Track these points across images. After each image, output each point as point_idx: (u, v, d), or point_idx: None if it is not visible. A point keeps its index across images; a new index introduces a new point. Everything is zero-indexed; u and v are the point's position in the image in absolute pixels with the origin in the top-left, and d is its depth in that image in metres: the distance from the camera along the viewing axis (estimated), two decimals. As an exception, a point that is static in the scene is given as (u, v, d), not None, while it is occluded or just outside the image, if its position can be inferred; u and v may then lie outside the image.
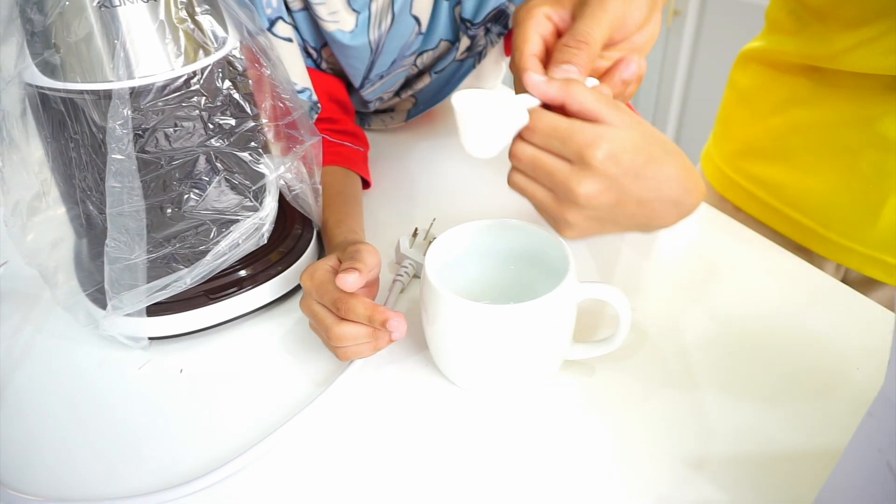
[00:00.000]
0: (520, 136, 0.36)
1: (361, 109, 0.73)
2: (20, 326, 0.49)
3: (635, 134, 0.35)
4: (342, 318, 0.40)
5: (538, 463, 0.37)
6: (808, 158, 0.58)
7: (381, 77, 0.64)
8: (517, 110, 0.35)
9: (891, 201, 0.53)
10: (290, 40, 0.56)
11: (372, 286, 0.45)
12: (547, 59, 0.38)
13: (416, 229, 0.53)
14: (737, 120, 0.66)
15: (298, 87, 0.57)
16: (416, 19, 0.59)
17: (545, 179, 0.36)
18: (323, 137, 0.52)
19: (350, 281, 0.39)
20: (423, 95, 0.74)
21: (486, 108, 0.35)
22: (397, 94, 0.70)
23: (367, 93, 0.67)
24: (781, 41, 0.59)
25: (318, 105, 0.59)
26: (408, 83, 0.69)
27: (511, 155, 0.37)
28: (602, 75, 0.39)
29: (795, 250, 0.56)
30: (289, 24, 0.56)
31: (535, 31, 0.38)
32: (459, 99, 0.36)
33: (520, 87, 0.38)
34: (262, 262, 0.48)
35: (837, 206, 0.57)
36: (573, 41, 0.36)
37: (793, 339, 0.45)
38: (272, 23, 0.54)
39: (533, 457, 0.38)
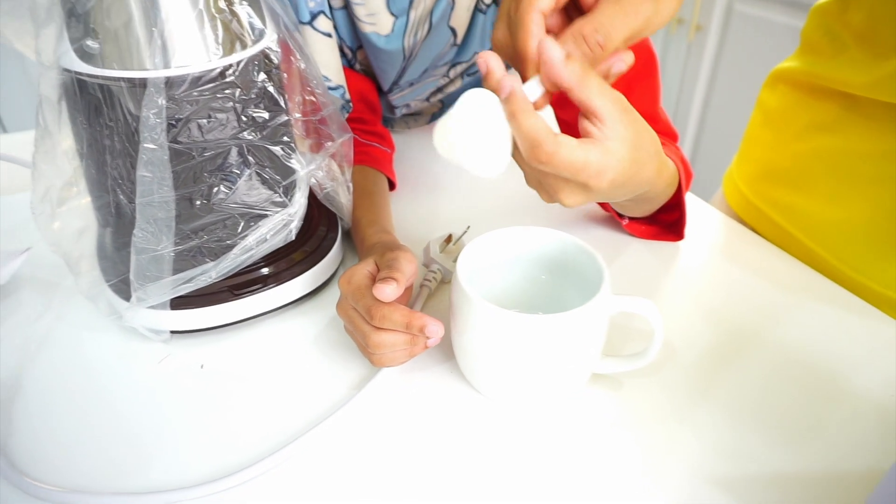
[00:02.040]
0: (522, 159, 0.35)
1: (388, 115, 0.73)
2: (41, 314, 0.49)
3: (632, 148, 0.34)
4: (378, 327, 0.39)
5: (563, 476, 0.36)
6: (830, 188, 0.55)
7: (412, 84, 0.64)
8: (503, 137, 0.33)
9: None
10: (329, 35, 0.55)
11: (406, 291, 0.45)
12: (555, 21, 0.34)
13: (450, 235, 0.52)
14: (761, 142, 0.64)
15: (332, 84, 0.56)
16: (453, 31, 0.59)
17: (541, 185, 0.36)
18: (353, 137, 0.52)
19: (388, 292, 0.39)
20: (451, 99, 0.73)
21: (489, 119, 0.32)
22: (426, 99, 0.70)
23: (396, 98, 0.66)
24: (815, 63, 0.57)
25: (350, 104, 0.58)
26: (438, 88, 0.68)
27: (519, 163, 0.36)
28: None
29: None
30: (329, 19, 0.55)
31: None
32: (467, 105, 0.33)
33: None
34: (287, 261, 0.48)
35: (856, 240, 0.54)
36: (594, 41, 0.32)
37: (822, 359, 0.44)
38: (314, 16, 0.54)
39: (558, 469, 0.37)
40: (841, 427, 0.39)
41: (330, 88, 0.56)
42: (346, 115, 0.59)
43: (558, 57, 0.31)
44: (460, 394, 0.42)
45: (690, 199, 0.62)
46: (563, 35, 0.33)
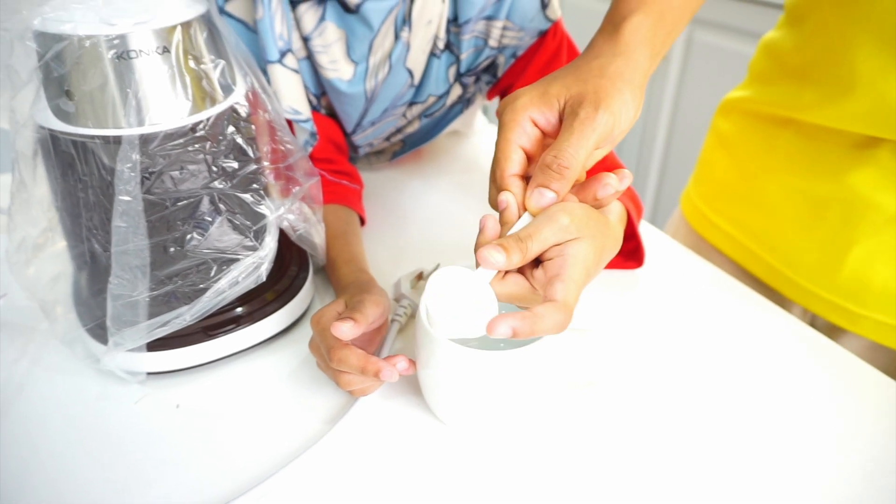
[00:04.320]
0: None
1: (352, 153, 0.75)
2: (17, 358, 0.50)
3: (590, 253, 0.35)
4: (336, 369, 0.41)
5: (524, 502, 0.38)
6: (781, 204, 0.61)
7: (373, 124, 0.67)
8: (486, 306, 0.34)
9: (854, 251, 0.55)
10: (297, 72, 0.59)
11: (379, 331, 0.47)
12: (530, 165, 0.38)
13: (420, 273, 0.55)
14: (717, 163, 0.69)
15: (303, 117, 0.59)
16: (410, 72, 0.62)
17: None
18: (323, 176, 0.54)
19: (343, 329, 0.40)
20: (411, 139, 0.76)
21: (458, 306, 0.34)
22: (387, 138, 0.73)
23: (359, 138, 0.69)
24: (762, 91, 0.62)
25: (316, 136, 0.61)
26: (398, 129, 0.71)
27: None
28: (578, 190, 0.38)
29: (766, 292, 0.58)
30: (295, 57, 0.59)
31: (516, 144, 0.37)
32: (436, 285, 0.35)
33: (494, 193, 0.38)
34: (259, 301, 0.49)
35: (805, 251, 0.59)
36: (556, 165, 0.35)
37: (767, 385, 0.47)
38: (283, 54, 0.57)
39: (519, 496, 0.39)
40: (790, 465, 0.42)
41: (300, 121, 0.59)
42: (313, 147, 0.62)
43: (499, 257, 0.33)
44: (427, 425, 0.44)
45: (649, 230, 0.66)
46: (535, 170, 0.36)
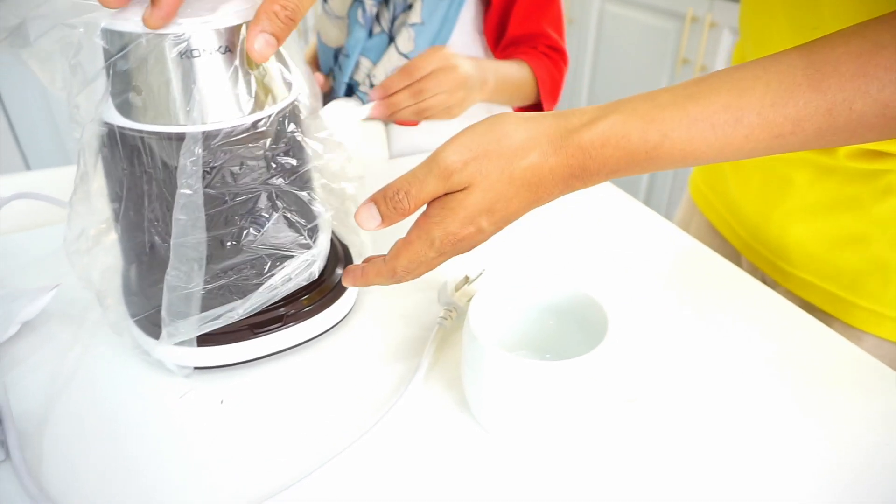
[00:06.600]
0: None
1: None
2: (68, 347, 0.51)
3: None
4: None
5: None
6: (740, 175, 0.69)
7: None
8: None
9: (780, 208, 0.63)
10: None
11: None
12: None
13: (466, 277, 0.55)
14: None
15: None
16: None
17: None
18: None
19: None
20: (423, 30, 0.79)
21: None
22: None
23: None
24: None
25: None
26: None
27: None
28: None
29: (734, 256, 0.70)
30: None
31: None
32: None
33: None
34: (304, 301, 0.50)
35: (750, 211, 0.68)
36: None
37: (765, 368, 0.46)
38: None
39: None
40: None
41: None
42: None
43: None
44: (471, 432, 0.43)
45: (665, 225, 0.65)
46: None
